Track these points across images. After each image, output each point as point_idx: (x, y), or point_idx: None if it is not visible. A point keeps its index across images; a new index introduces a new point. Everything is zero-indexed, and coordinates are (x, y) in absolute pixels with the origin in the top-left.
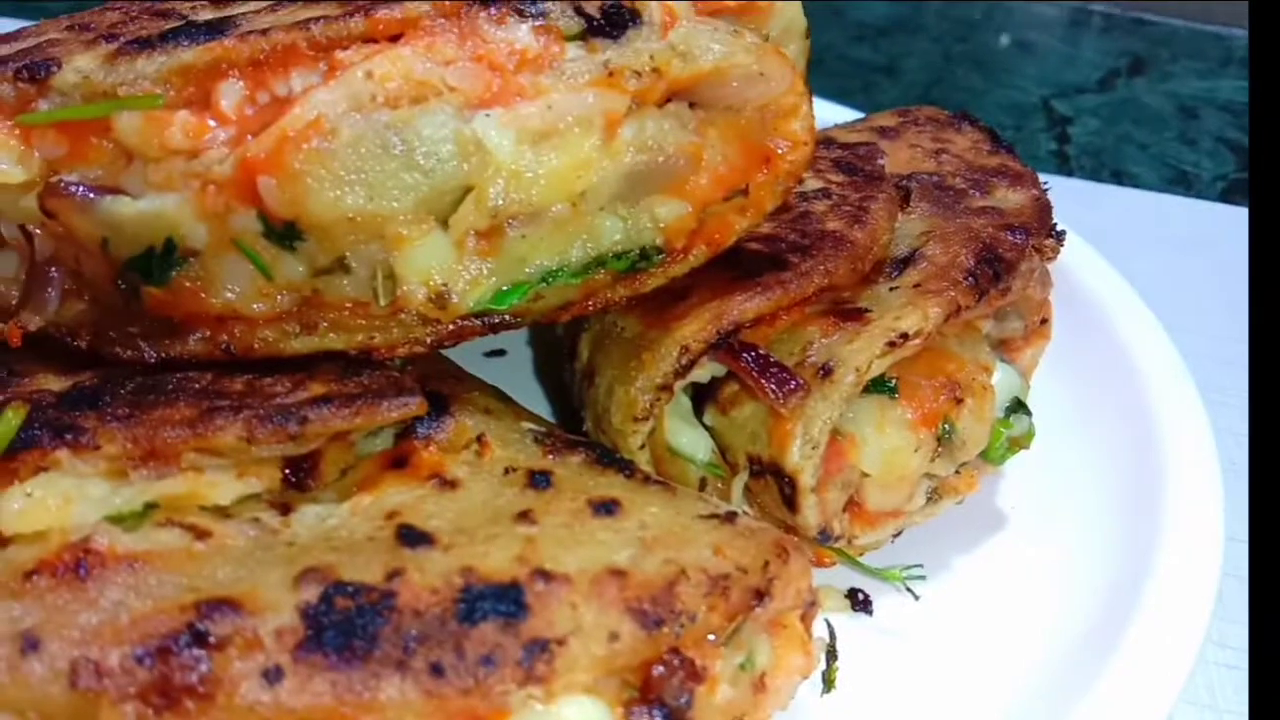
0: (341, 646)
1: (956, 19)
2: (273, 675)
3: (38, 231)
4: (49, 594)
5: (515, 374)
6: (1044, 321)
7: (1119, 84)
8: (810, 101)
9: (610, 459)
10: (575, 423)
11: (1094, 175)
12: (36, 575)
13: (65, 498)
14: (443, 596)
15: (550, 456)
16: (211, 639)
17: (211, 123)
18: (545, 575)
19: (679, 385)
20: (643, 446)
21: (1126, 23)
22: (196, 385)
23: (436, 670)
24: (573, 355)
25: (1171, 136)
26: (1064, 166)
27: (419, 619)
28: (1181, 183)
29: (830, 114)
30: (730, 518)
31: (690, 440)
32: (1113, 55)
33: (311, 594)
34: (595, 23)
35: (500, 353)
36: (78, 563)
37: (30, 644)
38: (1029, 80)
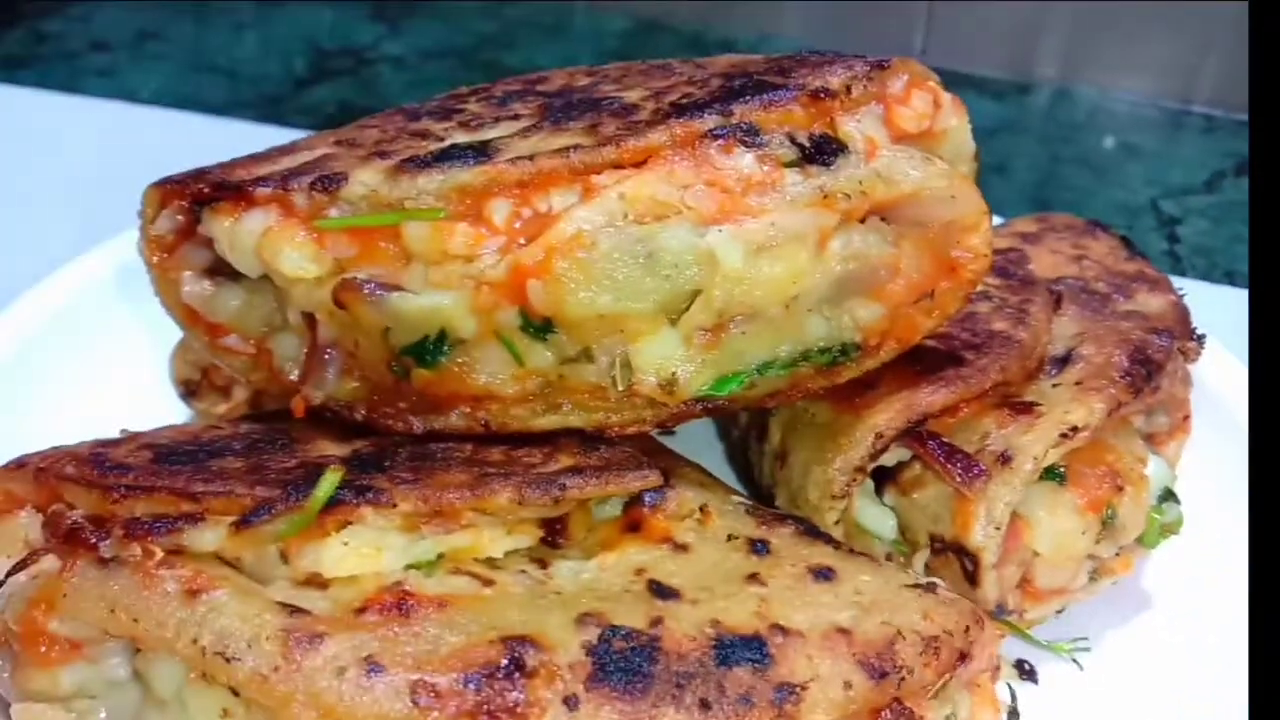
0: (624, 681)
1: (1061, 121)
2: (572, 702)
3: (322, 319)
4: (380, 627)
5: (686, 450)
6: (1185, 418)
7: (1225, 184)
8: (990, 219)
9: (816, 531)
10: (760, 499)
11: (1206, 275)
12: (366, 611)
13: (375, 547)
14: (699, 643)
15: (763, 527)
16: (524, 668)
17: (484, 232)
18: (782, 630)
19: (870, 467)
20: (837, 523)
21: (1229, 124)
22: (462, 454)
23: (704, 705)
24: (762, 438)
25: None
26: (1176, 266)
27: (683, 660)
28: None
29: None
30: (931, 588)
31: (876, 519)
32: (1217, 155)
33: (591, 635)
34: (809, 151)
35: (671, 431)
36: (399, 602)
37: (375, 668)
38: (1136, 180)
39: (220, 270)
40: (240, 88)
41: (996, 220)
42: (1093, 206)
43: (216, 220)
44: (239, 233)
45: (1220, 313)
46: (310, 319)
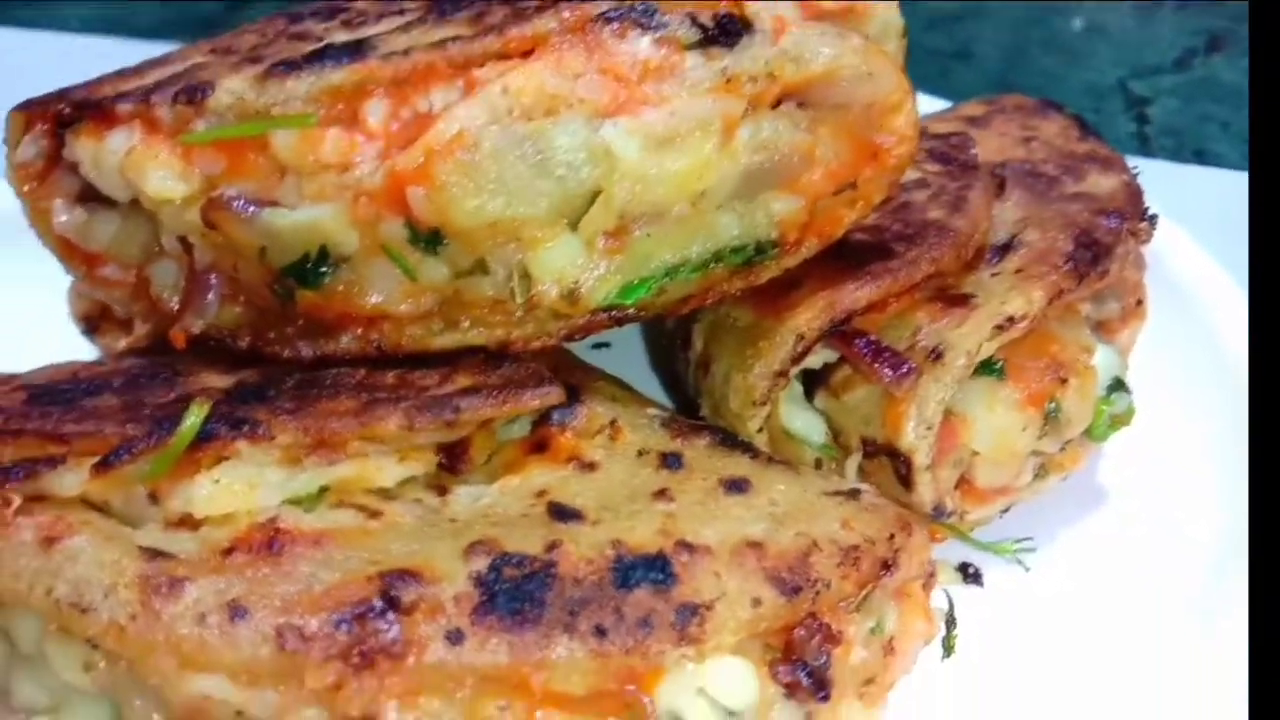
0: (514, 611)
1: (1027, 6)
2: (455, 637)
3: (196, 242)
4: (248, 568)
5: (620, 365)
6: (1139, 303)
7: (1196, 63)
8: (913, 98)
9: (735, 441)
10: (687, 410)
11: (1175, 155)
12: (235, 552)
13: (249, 483)
14: (597, 566)
15: (678, 440)
16: (400, 605)
17: (360, 138)
18: (688, 547)
19: (794, 371)
20: (760, 430)
21: (1200, 1)
22: (352, 380)
23: (600, 632)
24: (686, 345)
25: None
26: (1145, 147)
27: (579, 586)
28: None
29: None
30: (854, 494)
31: (805, 424)
32: (1188, 34)
33: (481, 564)
34: (711, 32)
35: (605, 345)
36: (270, 540)
37: (239, 612)
38: (1105, 62)
39: (93, 197)
40: (174, 10)
41: (946, 105)
42: (1060, 90)
43: (80, 142)
44: (102, 154)
45: (1189, 193)
46: (187, 243)
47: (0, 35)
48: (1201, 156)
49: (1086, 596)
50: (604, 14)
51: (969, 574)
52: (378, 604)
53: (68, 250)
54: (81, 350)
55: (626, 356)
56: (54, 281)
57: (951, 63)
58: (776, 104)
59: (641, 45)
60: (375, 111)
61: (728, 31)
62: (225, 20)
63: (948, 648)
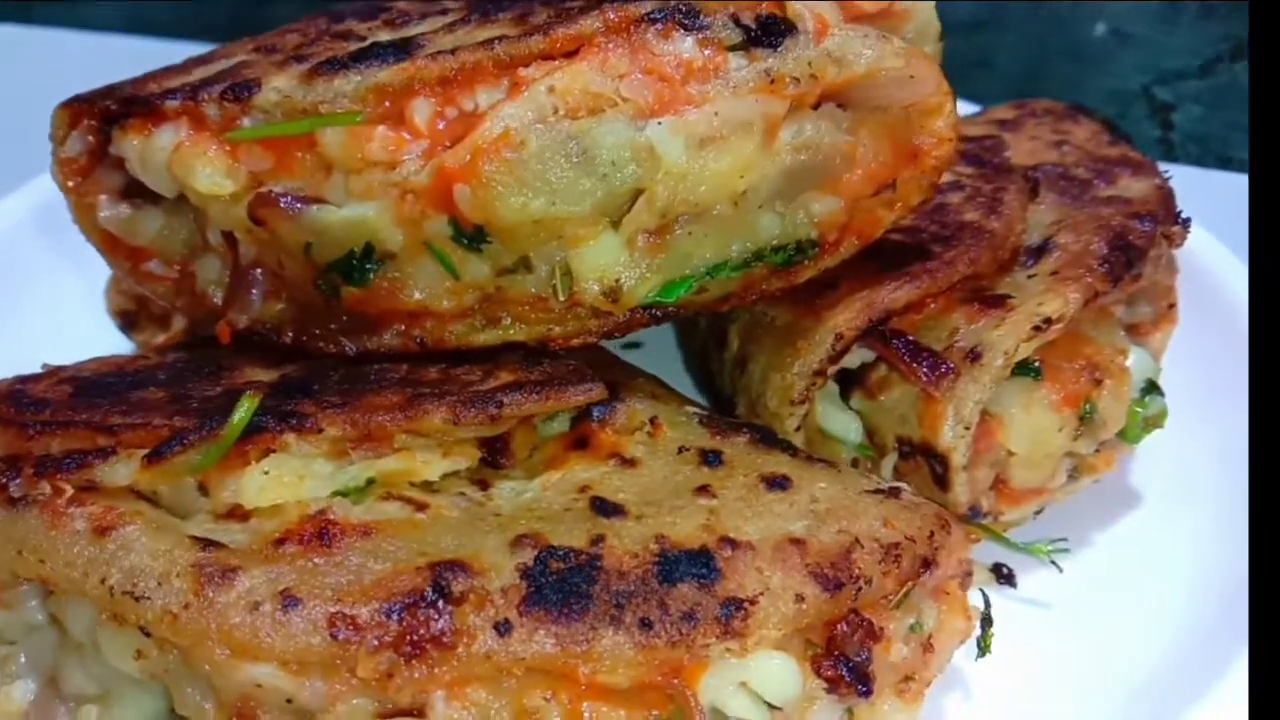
0: (560, 603)
1: (1046, 15)
2: (503, 628)
3: (242, 237)
4: (299, 558)
5: (652, 365)
6: (1171, 306)
7: (1220, 69)
8: (954, 101)
9: (773, 439)
10: (722, 408)
11: (1199, 161)
12: (286, 543)
13: (298, 475)
14: (642, 560)
15: (718, 437)
16: (451, 595)
17: (406, 136)
18: (731, 543)
19: (832, 370)
20: (798, 429)
21: (1225, 6)
22: (396, 375)
23: (645, 624)
24: (722, 344)
25: None
26: (1170, 153)
27: (624, 579)
28: None
29: None
30: (894, 492)
31: (841, 423)
32: (1213, 40)
33: (527, 557)
34: (754, 33)
35: (637, 345)
36: (321, 531)
37: (291, 602)
38: (1128, 68)
39: (138, 192)
40: (196, 9)
41: (975, 108)
42: (1082, 96)
43: (126, 138)
44: (149, 150)
45: (1214, 198)
46: (231, 239)
47: (23, 34)
48: (1226, 163)
49: (1117, 599)
50: (648, 14)
51: (1003, 574)
52: (429, 594)
53: (111, 245)
54: (116, 345)
55: (659, 357)
56: (90, 277)
57: (973, 69)
58: (817, 105)
59: (685, 46)
60: (422, 110)
61: (771, 32)
62: (247, 20)
63: (983, 647)
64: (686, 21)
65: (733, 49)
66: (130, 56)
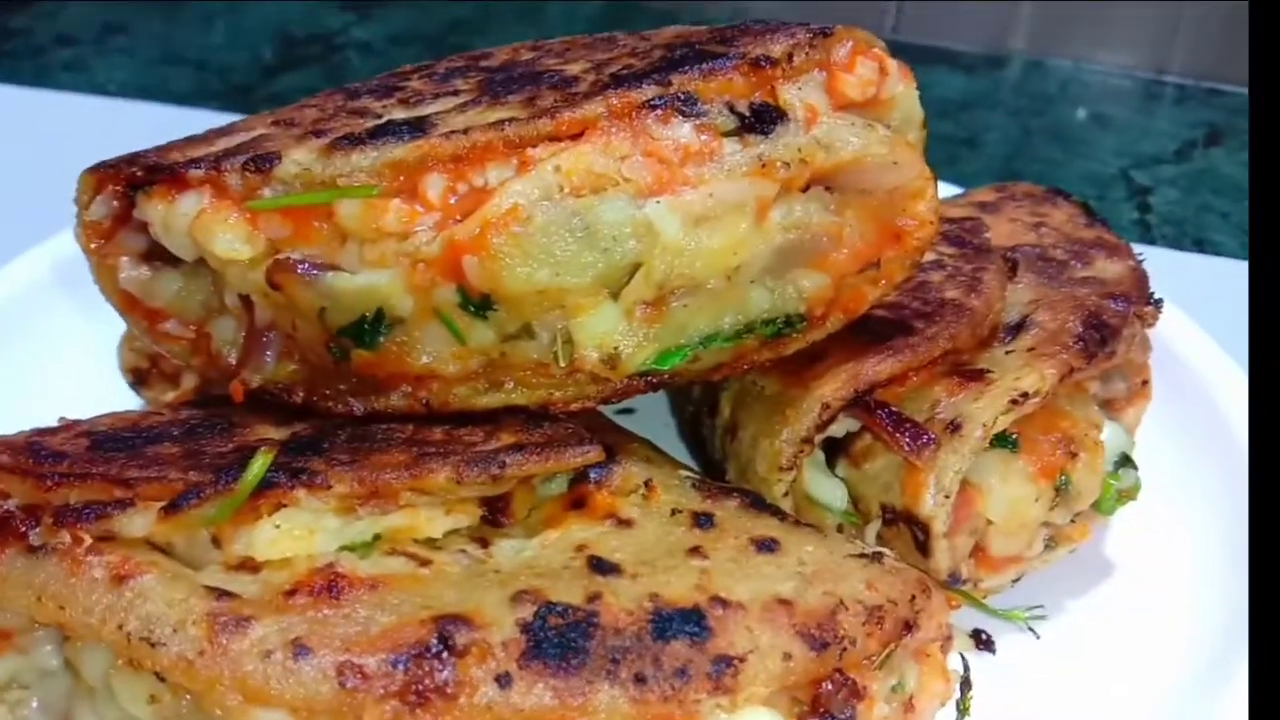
0: (559, 657)
1: (1033, 94)
2: (504, 680)
3: (258, 301)
4: (310, 609)
5: (645, 429)
6: (1144, 383)
7: (1196, 154)
8: (935, 185)
9: (763, 504)
10: (713, 473)
11: (1176, 243)
12: (296, 594)
13: (308, 529)
14: (637, 617)
15: (709, 500)
16: (454, 647)
17: (419, 209)
18: (722, 602)
19: (818, 438)
20: (786, 494)
21: (1201, 93)
22: (402, 435)
23: (639, 680)
24: (713, 411)
25: None
26: (1146, 235)
27: (620, 635)
28: None
29: None
30: (878, 557)
31: (827, 490)
32: (1188, 125)
33: (527, 612)
34: (748, 120)
35: (630, 410)
36: (330, 584)
37: (302, 651)
38: (1107, 152)
39: (157, 255)
40: (208, 78)
41: (957, 190)
42: (1063, 178)
43: (150, 204)
44: (172, 216)
45: (1187, 279)
46: (247, 302)
47: (40, 98)
48: (1201, 245)
49: (1093, 666)
50: (649, 101)
51: (982, 640)
52: (434, 645)
53: (130, 305)
54: (127, 401)
55: (650, 422)
56: (100, 335)
57: (960, 149)
58: (806, 187)
59: (683, 131)
60: (435, 185)
61: (763, 120)
62: (257, 89)
63: (963, 709)
64: (685, 108)
65: (727, 134)
66: (145, 122)
